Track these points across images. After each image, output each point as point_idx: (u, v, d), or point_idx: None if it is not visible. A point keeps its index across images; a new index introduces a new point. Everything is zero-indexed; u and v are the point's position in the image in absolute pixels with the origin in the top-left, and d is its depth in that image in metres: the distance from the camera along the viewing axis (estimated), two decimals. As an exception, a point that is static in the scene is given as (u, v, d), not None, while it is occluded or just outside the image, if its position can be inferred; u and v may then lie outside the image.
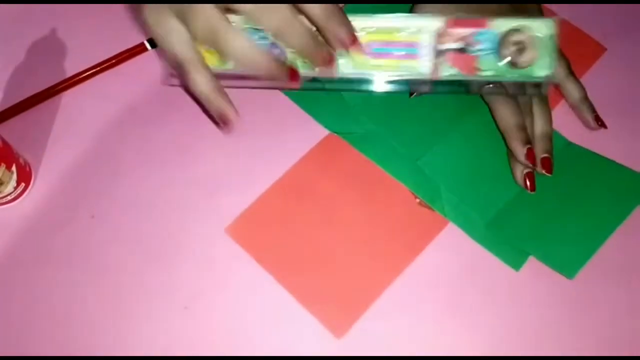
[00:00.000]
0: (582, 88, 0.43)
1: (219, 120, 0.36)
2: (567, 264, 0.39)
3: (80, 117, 0.44)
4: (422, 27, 0.34)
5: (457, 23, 0.34)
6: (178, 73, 0.35)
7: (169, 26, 0.34)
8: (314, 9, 0.33)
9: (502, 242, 0.40)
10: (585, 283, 0.39)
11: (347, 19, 0.34)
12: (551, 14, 0.49)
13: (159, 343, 0.37)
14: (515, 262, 0.40)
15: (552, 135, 0.41)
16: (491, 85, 0.37)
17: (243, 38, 0.34)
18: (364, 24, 0.35)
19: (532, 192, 0.40)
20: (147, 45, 0.46)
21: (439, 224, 0.41)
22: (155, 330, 0.38)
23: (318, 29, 0.34)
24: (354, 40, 0.34)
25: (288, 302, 0.38)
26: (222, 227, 0.40)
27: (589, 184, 0.42)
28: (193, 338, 0.37)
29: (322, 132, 0.44)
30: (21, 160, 0.40)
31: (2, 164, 0.37)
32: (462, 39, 0.34)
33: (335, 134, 0.43)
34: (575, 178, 0.42)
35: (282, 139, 0.43)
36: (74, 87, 0.45)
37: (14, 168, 0.39)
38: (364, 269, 0.39)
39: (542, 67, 0.35)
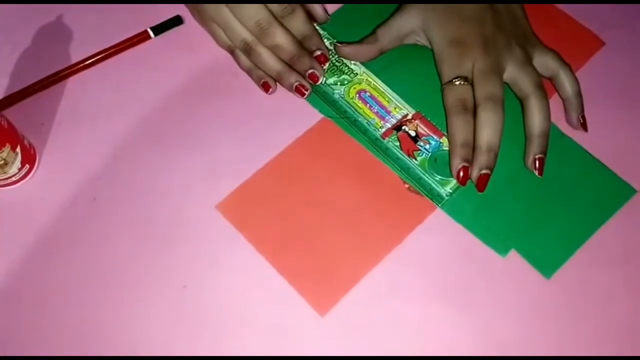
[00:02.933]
0: (576, 82, 0.43)
1: (290, 89, 0.44)
2: (545, 264, 0.40)
3: (84, 102, 0.46)
4: (402, 107, 0.44)
5: (423, 121, 0.43)
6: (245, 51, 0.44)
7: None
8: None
9: (489, 229, 0.41)
10: (573, 270, 0.40)
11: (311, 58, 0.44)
12: (548, 6, 0.49)
13: (154, 322, 0.38)
14: (502, 249, 0.40)
15: (549, 133, 0.42)
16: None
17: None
18: (372, 78, 0.45)
19: (541, 177, 0.41)
20: (150, 33, 0.47)
21: (426, 208, 0.41)
22: (153, 310, 0.39)
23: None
24: (316, 79, 0.44)
25: (274, 278, 0.39)
26: (213, 204, 0.41)
27: (574, 184, 0.42)
28: (185, 316, 0.39)
29: (316, 116, 0.45)
30: (26, 142, 0.42)
31: (7, 144, 0.39)
32: (419, 131, 0.43)
33: (329, 119, 0.44)
34: (563, 174, 0.42)
35: (277, 123, 0.44)
36: (78, 73, 0.47)
37: (18, 149, 0.40)
38: (350, 250, 0.40)
39: (449, 186, 0.42)
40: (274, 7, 0.43)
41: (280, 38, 0.43)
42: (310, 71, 0.43)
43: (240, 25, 0.43)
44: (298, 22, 0.44)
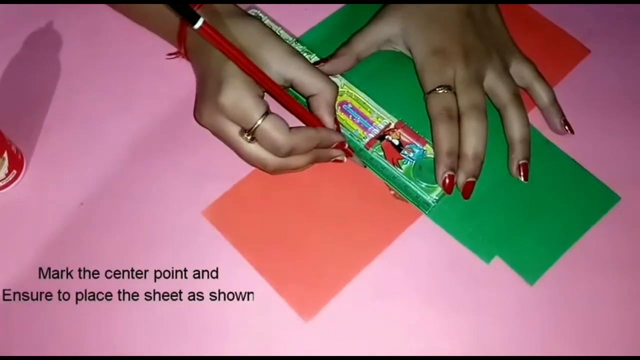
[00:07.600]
0: (551, 91, 0.44)
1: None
2: (528, 270, 0.40)
3: (71, 108, 0.46)
4: (384, 117, 0.44)
5: (405, 129, 0.44)
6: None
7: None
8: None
9: (473, 235, 0.41)
10: (557, 276, 0.40)
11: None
12: (533, 14, 0.50)
13: (142, 326, 0.39)
14: (486, 255, 0.40)
15: (530, 139, 0.42)
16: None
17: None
18: (353, 90, 0.45)
19: (526, 182, 0.42)
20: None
21: (412, 215, 0.42)
22: (139, 313, 0.39)
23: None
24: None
25: (259, 283, 0.39)
26: (199, 210, 0.42)
27: (558, 190, 0.43)
28: (170, 320, 0.39)
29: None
30: (13, 148, 0.42)
31: (-6, 150, 0.39)
32: (403, 140, 0.43)
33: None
34: (547, 182, 0.43)
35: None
36: (65, 80, 0.46)
37: (5, 155, 0.40)
38: (335, 255, 0.40)
39: (435, 193, 0.42)
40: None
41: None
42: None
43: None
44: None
